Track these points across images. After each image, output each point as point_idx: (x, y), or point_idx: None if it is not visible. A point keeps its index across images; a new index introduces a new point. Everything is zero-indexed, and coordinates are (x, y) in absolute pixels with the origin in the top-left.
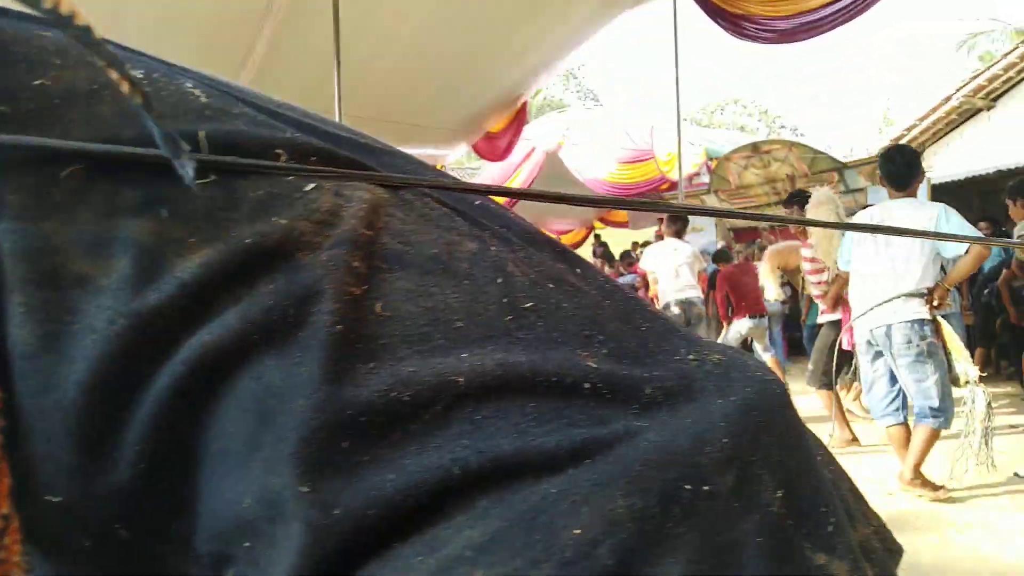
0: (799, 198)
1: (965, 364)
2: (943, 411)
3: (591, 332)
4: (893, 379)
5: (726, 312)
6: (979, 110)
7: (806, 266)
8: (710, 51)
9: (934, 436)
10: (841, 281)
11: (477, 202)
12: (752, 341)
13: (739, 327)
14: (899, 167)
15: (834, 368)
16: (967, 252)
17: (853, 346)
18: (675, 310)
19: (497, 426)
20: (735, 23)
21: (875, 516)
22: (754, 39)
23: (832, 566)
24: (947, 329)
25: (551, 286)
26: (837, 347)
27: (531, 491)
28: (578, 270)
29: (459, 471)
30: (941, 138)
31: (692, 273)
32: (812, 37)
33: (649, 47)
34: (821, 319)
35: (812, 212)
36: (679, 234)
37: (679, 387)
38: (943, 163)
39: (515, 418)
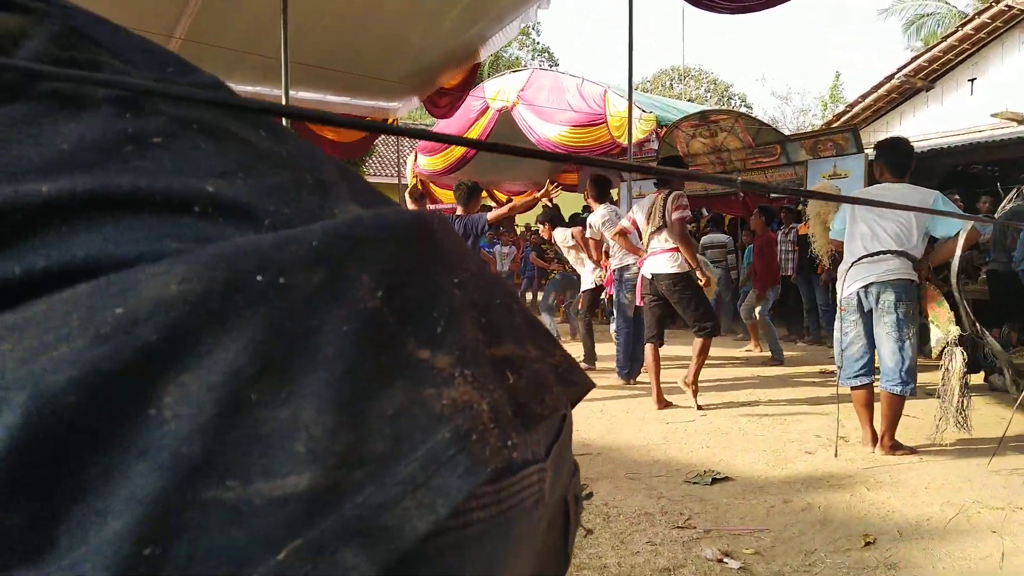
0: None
1: (947, 324)
2: (913, 379)
3: (232, 170)
4: (869, 342)
5: None
6: (919, 90)
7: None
8: (662, 21)
9: (902, 403)
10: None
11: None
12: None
13: None
14: (899, 155)
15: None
16: (956, 235)
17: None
18: (628, 275)
19: (82, 237)
20: None
21: (558, 351)
22: (715, 9)
23: (436, 359)
24: (932, 291)
25: (196, 128)
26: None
27: (86, 284)
28: (268, 133)
29: (20, 272)
30: (882, 116)
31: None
32: (772, 7)
33: (604, 12)
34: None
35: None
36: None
37: (304, 220)
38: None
39: (106, 231)
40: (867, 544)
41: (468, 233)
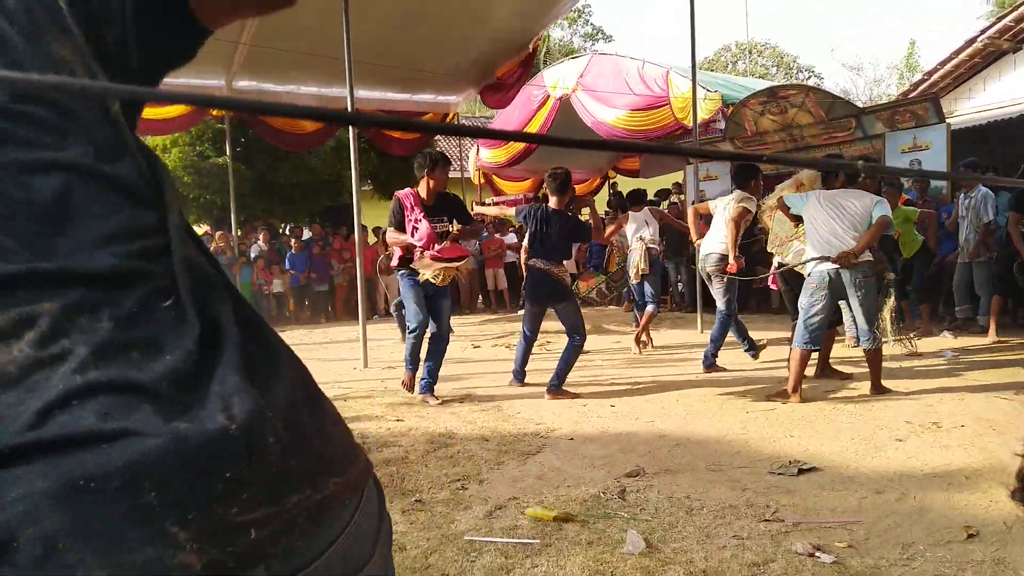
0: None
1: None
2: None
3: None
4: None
5: None
6: (1004, 52)
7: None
8: None
9: (879, 354)
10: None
11: None
12: None
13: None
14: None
15: None
16: (870, 227)
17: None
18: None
19: None
20: None
21: (329, 489)
22: None
23: (180, 534)
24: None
25: None
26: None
27: None
28: None
29: None
30: (964, 83)
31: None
32: None
33: None
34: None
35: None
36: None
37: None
38: (966, 108)
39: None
40: (970, 536)
41: (567, 234)
